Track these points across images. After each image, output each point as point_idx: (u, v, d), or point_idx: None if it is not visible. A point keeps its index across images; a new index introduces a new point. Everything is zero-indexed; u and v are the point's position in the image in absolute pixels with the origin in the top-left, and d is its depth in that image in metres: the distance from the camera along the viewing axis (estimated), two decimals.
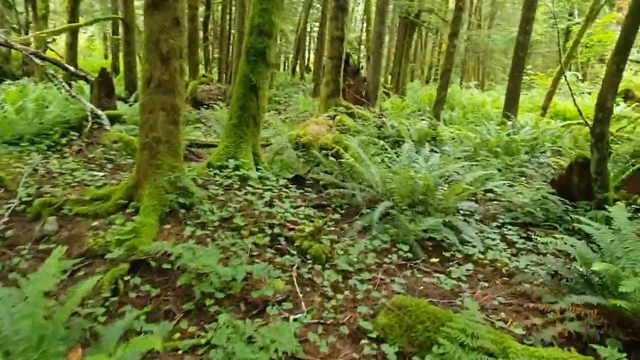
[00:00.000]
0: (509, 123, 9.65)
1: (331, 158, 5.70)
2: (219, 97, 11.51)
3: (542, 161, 8.84)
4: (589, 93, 18.09)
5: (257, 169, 5.05)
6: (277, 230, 3.99)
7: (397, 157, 6.31)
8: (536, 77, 19.79)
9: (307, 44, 36.35)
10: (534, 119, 11.71)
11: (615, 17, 19.67)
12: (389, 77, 23.75)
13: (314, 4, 27.55)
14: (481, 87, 29.69)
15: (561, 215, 4.94)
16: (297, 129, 8.26)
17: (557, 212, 4.99)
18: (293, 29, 36.40)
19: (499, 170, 7.27)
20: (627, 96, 16.82)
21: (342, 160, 5.83)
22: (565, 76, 10.61)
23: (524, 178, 7.55)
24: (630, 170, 5.57)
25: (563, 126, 10.95)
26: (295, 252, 3.77)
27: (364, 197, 5.13)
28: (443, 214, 4.89)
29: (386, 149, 6.07)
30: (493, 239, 4.58)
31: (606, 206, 5.06)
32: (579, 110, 10.75)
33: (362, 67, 23.52)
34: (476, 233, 4.60)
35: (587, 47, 17.96)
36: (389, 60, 24.80)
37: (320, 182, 5.55)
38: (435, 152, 9.27)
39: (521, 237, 4.77)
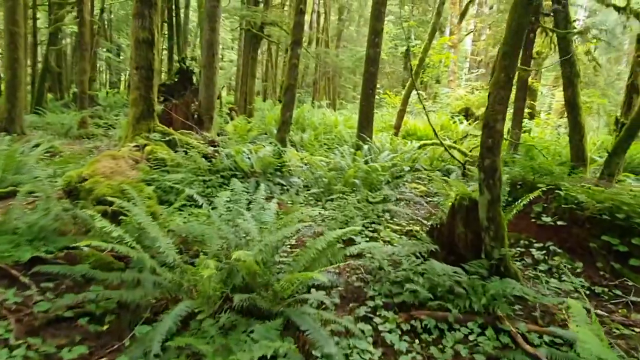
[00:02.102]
0: (365, 147, 8.33)
1: (103, 222, 3.38)
2: None
3: (405, 191, 7.64)
4: (434, 112, 18.39)
5: None
6: None
7: (228, 206, 4.28)
8: (385, 96, 19.69)
9: None
10: (389, 140, 10.76)
11: (449, 40, 20.65)
12: (238, 96, 21.90)
13: None
14: (333, 106, 29.55)
15: (452, 287, 3.39)
16: (85, 166, 5.74)
17: (445, 283, 3.42)
18: (130, 44, 32.56)
19: (359, 209, 5.69)
20: (467, 114, 17.37)
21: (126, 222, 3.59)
22: (418, 94, 9.85)
23: (387, 215, 6.12)
24: (519, 207, 4.35)
25: (419, 147, 10.12)
26: None
27: (154, 292, 2.97)
28: (285, 306, 2.99)
29: (195, 201, 3.97)
30: (363, 351, 2.79)
31: (505, 271, 3.68)
32: (434, 131, 10.04)
33: None
34: (336, 342, 2.77)
35: (427, 67, 18.30)
36: (237, 78, 22.96)
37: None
38: (282, 184, 7.52)
39: (403, 333, 3.08)
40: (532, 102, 16.98)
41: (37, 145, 6.92)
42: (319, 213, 3.93)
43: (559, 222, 4.93)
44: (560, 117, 17.17)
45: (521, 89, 11.26)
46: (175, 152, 6.77)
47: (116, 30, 33.34)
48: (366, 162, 7.30)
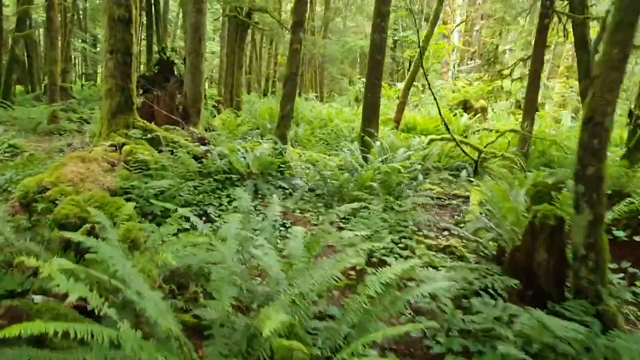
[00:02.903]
0: (377, 144, 7.34)
1: (54, 271, 2.29)
2: None
3: (421, 193, 6.71)
4: (430, 104, 17.53)
5: None
6: None
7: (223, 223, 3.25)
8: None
9: None
10: (393, 135, 9.83)
11: (445, 28, 19.82)
12: (222, 89, 20.71)
13: None
14: (320, 98, 28.55)
15: (553, 346, 2.46)
16: (46, 171, 4.66)
17: (541, 336, 2.49)
18: (103, 24, 30.74)
19: (385, 221, 4.73)
20: (466, 107, 16.56)
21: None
22: (429, 85, 8.93)
23: (412, 226, 5.16)
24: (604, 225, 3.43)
25: (429, 142, 9.22)
26: None
27: None
28: None
29: (189, 222, 2.95)
30: None
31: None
32: (445, 126, 9.15)
33: None
34: None
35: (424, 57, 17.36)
36: (221, 70, 21.74)
37: None
38: (284, 187, 6.52)
39: None
40: None
41: None
42: (356, 235, 2.94)
43: (634, 237, 4.07)
44: (563, 109, 16.48)
45: (535, 78, 10.45)
46: (159, 151, 5.70)
47: (92, 20, 31.60)
48: (383, 162, 6.32)
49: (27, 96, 19.63)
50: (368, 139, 7.78)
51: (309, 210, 5.67)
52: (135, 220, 3.06)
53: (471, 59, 23.92)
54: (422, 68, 8.78)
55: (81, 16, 28.41)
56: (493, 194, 5.71)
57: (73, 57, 28.44)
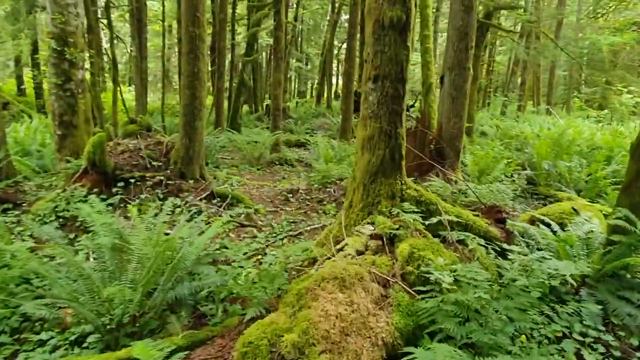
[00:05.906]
0: None
1: None
2: (152, 162, 5.92)
3: None
4: None
5: None
6: None
7: None
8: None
9: (334, 67, 31.59)
10: None
11: None
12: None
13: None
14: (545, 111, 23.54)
15: None
16: (284, 307, 2.68)
17: None
18: (318, 52, 31.44)
19: None
20: None
21: None
22: None
23: None
24: None
25: None
26: None
27: None
28: None
29: None
30: None
31: None
32: None
33: (414, 102, 17.78)
34: None
35: None
36: None
37: None
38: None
39: None
40: None
41: (223, 198, 4.24)
42: None
43: None
44: None
45: None
46: (442, 240, 3.37)
47: (306, 40, 32.82)
48: None
49: (252, 117, 20.39)
50: None
51: None
52: None
53: None
54: None
55: (298, 39, 29.50)
56: None
57: (289, 75, 29.71)
